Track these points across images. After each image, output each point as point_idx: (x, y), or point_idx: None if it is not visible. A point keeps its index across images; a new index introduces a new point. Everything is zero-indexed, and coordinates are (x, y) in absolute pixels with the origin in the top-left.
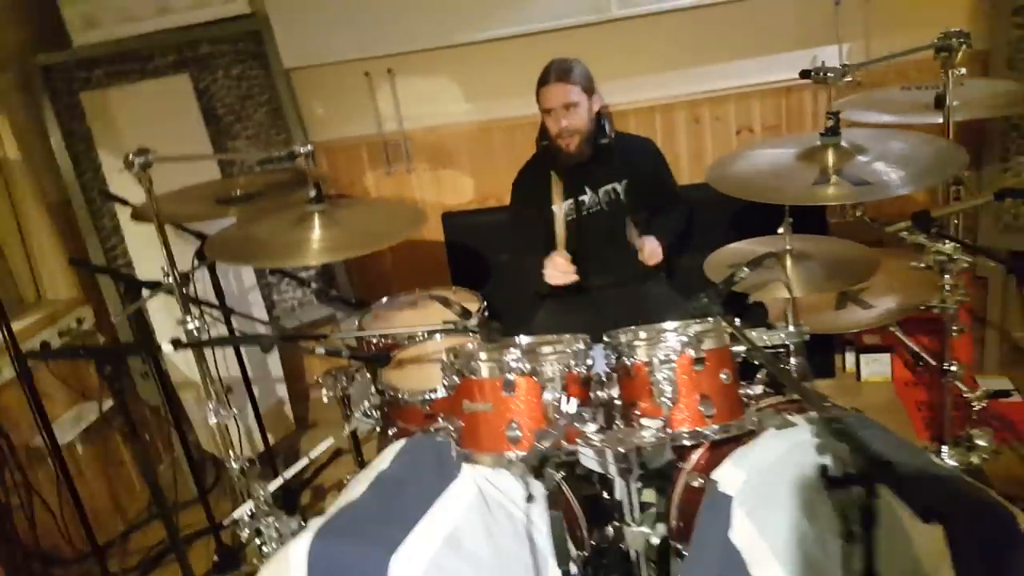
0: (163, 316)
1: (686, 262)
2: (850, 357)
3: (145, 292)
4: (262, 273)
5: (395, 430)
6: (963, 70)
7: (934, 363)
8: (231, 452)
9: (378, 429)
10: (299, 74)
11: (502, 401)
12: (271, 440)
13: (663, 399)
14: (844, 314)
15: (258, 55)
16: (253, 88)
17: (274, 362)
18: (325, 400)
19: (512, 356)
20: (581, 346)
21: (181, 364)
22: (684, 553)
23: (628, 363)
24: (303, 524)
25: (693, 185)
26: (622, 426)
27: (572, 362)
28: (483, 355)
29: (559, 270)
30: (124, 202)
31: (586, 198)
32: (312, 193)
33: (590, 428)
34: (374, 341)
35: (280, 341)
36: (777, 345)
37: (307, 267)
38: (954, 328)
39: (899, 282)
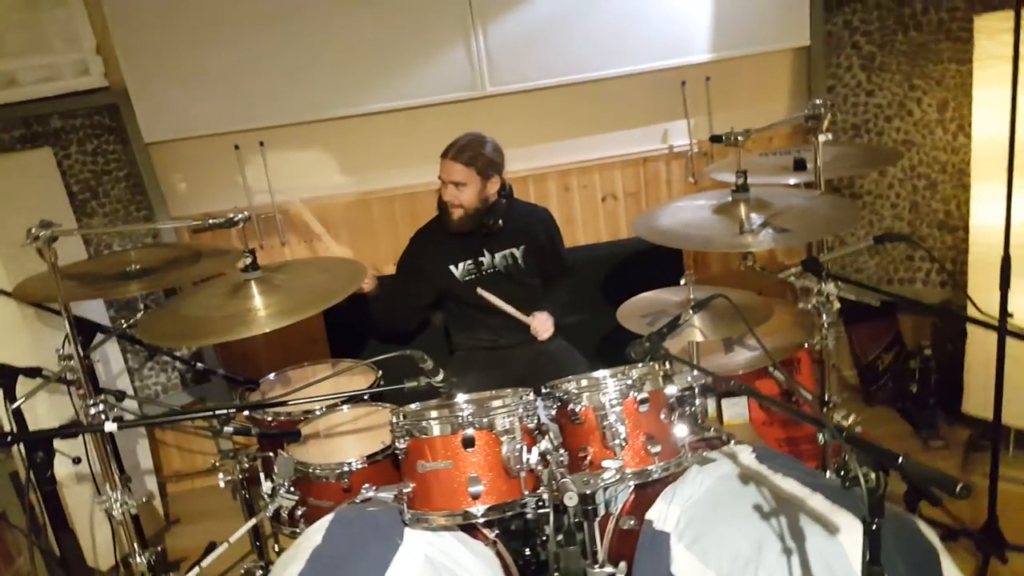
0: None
1: (573, 318)
2: (711, 402)
3: (30, 380)
4: (124, 357)
5: (304, 508)
6: (829, 135)
7: (810, 396)
8: (135, 546)
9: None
10: (160, 148)
11: (461, 457)
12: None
13: (616, 441)
14: (733, 356)
15: (115, 129)
16: (110, 163)
17: (144, 453)
18: (222, 485)
19: (465, 411)
20: (530, 397)
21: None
22: None
23: (577, 409)
24: None
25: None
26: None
27: (522, 412)
28: (434, 413)
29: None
30: None
31: (484, 260)
32: (247, 260)
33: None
34: (269, 419)
35: (238, 411)
36: (684, 387)
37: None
38: (832, 364)
39: (771, 328)
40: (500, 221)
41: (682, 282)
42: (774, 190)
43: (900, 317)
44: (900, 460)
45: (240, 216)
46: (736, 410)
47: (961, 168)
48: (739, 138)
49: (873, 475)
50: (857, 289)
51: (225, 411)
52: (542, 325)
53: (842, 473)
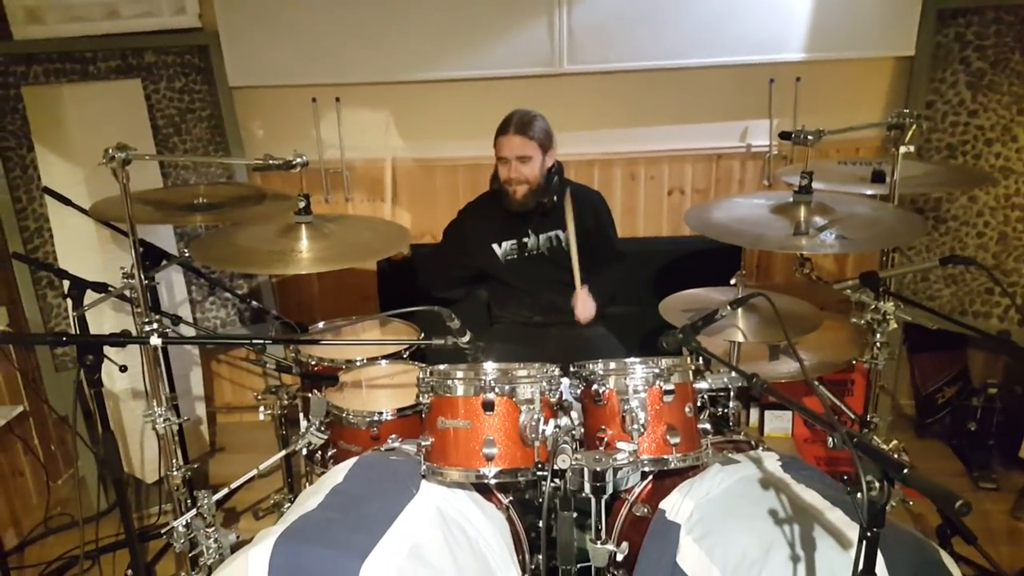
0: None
1: (620, 309)
2: (755, 412)
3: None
4: (188, 289)
5: (335, 450)
6: (912, 148)
7: (853, 416)
8: (174, 460)
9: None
10: (243, 93)
11: (480, 419)
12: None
13: (635, 426)
14: (777, 365)
15: (203, 70)
16: (195, 102)
17: (196, 379)
18: (262, 418)
19: (490, 376)
20: (556, 372)
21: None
22: None
23: (601, 391)
24: (239, 537)
25: (622, 239)
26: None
27: (546, 386)
28: (459, 374)
29: (585, 305)
30: (69, 202)
31: (528, 241)
32: (301, 204)
33: (570, 448)
34: (313, 363)
35: (273, 342)
36: (719, 388)
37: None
38: (880, 385)
39: (823, 341)
40: (555, 198)
41: (733, 281)
42: (840, 196)
43: (970, 352)
44: (905, 471)
45: (299, 160)
46: (778, 423)
47: None
48: (809, 138)
49: (877, 484)
50: (914, 310)
51: (262, 341)
52: (583, 303)
53: (845, 479)
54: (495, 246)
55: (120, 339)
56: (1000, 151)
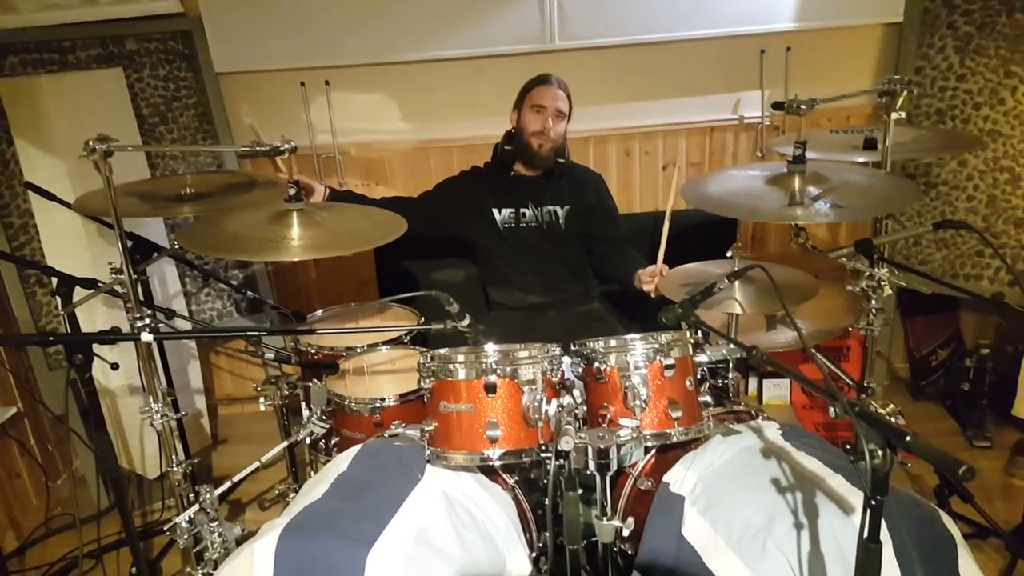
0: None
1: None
2: (753, 381)
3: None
4: (182, 282)
5: (338, 438)
6: (903, 114)
7: (850, 382)
8: (174, 456)
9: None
10: (230, 79)
11: (483, 402)
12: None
13: (637, 402)
14: (774, 335)
15: (187, 56)
16: (181, 90)
17: (194, 373)
18: (262, 408)
19: (491, 359)
20: (557, 352)
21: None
22: (628, 553)
23: (602, 368)
24: (244, 530)
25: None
26: (587, 427)
27: (548, 366)
28: (460, 357)
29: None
30: (52, 196)
31: (527, 212)
32: (291, 191)
33: (573, 429)
34: (313, 352)
35: (269, 333)
36: (718, 359)
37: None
38: (875, 350)
39: (819, 309)
40: (561, 172)
41: (729, 254)
42: (834, 165)
43: (962, 314)
44: (908, 438)
45: (287, 146)
46: (776, 391)
47: None
48: (802, 107)
49: (880, 452)
50: (908, 275)
51: (257, 333)
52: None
53: (848, 447)
54: (495, 211)
55: (110, 336)
56: (988, 114)
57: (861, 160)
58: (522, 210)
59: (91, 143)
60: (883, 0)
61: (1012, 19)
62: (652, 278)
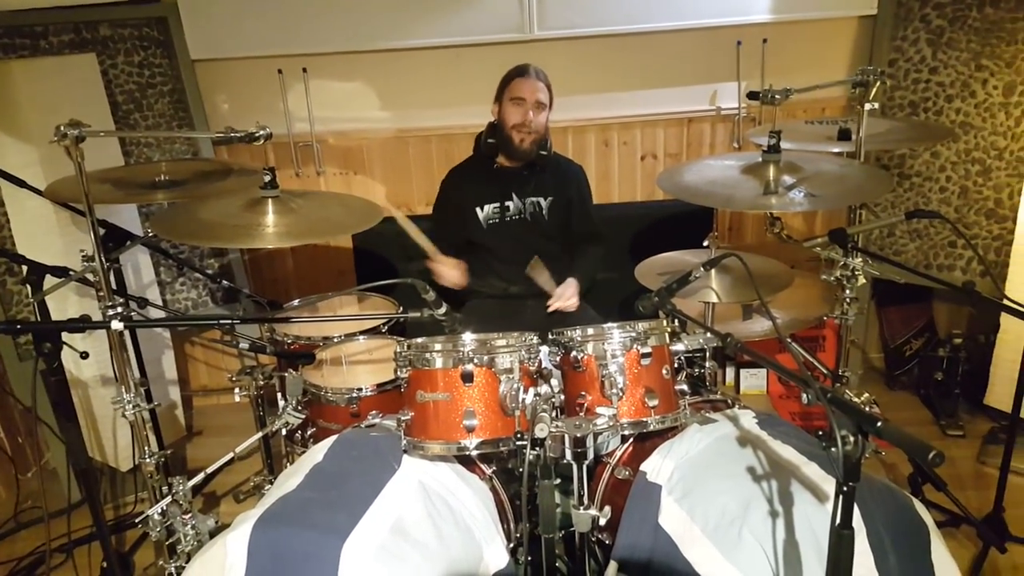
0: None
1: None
2: (730, 371)
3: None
4: (156, 271)
5: (314, 429)
6: (876, 104)
7: (826, 371)
8: (146, 448)
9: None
10: (206, 66)
11: (460, 391)
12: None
13: (614, 391)
14: (751, 324)
15: (163, 42)
16: (156, 77)
17: (169, 363)
18: (237, 399)
19: (468, 347)
20: (534, 340)
21: (67, 362)
22: (605, 542)
23: (579, 357)
24: (218, 522)
25: (598, 205)
26: (564, 416)
27: (525, 355)
28: (437, 346)
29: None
30: (22, 183)
31: (511, 204)
32: (266, 178)
33: (548, 416)
34: (289, 342)
35: (241, 321)
36: (695, 348)
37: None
38: (850, 339)
39: (795, 299)
40: (543, 162)
41: (705, 243)
42: (808, 155)
43: (935, 304)
44: (879, 424)
45: (261, 132)
46: (753, 381)
47: (1020, 156)
48: (776, 97)
49: (852, 438)
50: (881, 265)
51: (229, 320)
52: (567, 297)
53: (820, 434)
54: (478, 209)
55: (79, 324)
56: (960, 106)
57: (836, 151)
58: (506, 203)
59: (62, 128)
60: None
61: (983, 13)
62: (556, 299)
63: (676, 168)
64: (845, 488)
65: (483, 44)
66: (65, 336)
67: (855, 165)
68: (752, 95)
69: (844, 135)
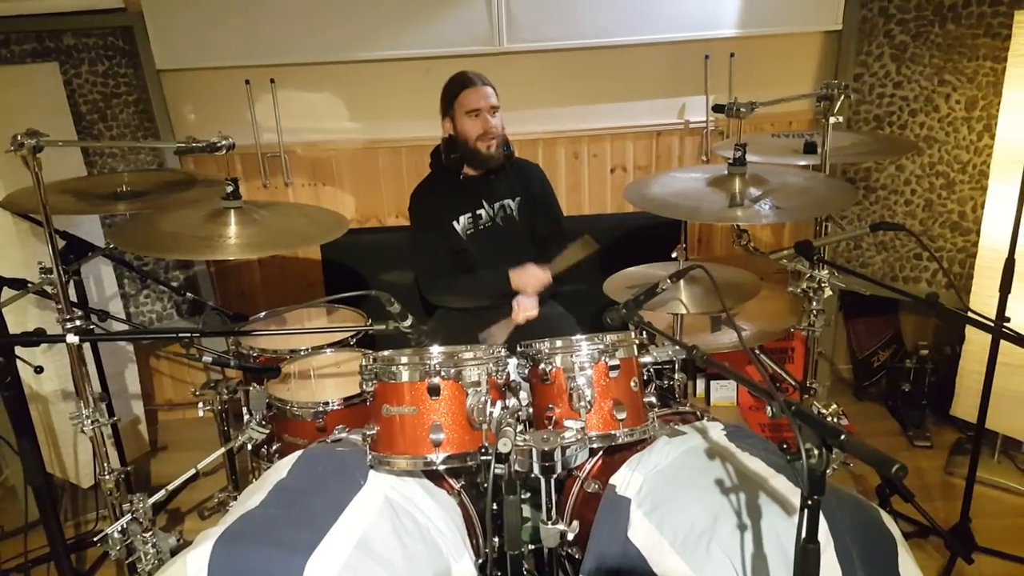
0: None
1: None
2: (701, 383)
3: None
4: (120, 282)
5: (279, 444)
6: (840, 118)
7: (794, 383)
8: (106, 464)
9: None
10: (171, 76)
11: (426, 405)
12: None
13: (582, 403)
14: (720, 336)
15: (128, 52)
16: (120, 87)
17: (132, 377)
18: (201, 414)
19: (434, 360)
20: (502, 353)
21: (26, 376)
22: (575, 557)
23: (548, 369)
24: (180, 540)
25: (568, 217)
26: (532, 429)
27: (493, 368)
28: (404, 359)
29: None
30: None
31: (483, 212)
32: (228, 189)
33: (512, 431)
34: (254, 355)
35: (202, 335)
36: (664, 360)
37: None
38: (818, 351)
39: (763, 311)
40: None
41: (673, 255)
42: (774, 168)
43: (902, 316)
44: (843, 437)
45: (224, 142)
46: (724, 392)
47: (982, 170)
48: (742, 110)
49: (816, 451)
50: (847, 277)
51: (189, 334)
52: (522, 304)
53: (785, 447)
54: (455, 223)
55: (33, 338)
56: (924, 120)
57: (802, 163)
58: (478, 211)
59: (19, 137)
60: (823, 8)
61: (944, 29)
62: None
63: (643, 181)
64: (810, 502)
65: (453, 56)
66: (20, 350)
67: (820, 178)
68: (717, 108)
69: (810, 148)
